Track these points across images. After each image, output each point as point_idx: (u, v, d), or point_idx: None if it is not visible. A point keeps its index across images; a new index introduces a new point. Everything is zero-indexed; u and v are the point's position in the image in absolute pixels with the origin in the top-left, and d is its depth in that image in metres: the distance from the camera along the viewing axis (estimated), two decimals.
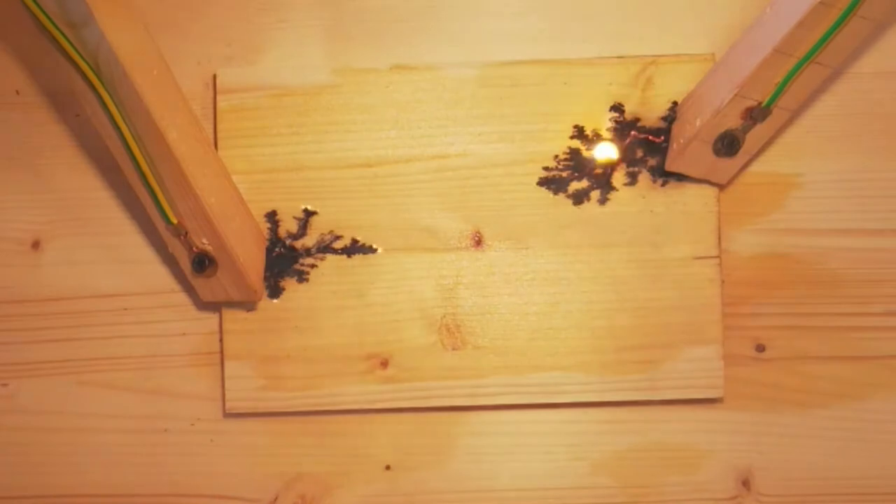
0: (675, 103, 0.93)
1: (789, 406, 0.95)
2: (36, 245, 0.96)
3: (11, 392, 0.97)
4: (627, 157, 0.93)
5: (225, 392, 0.94)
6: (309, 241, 0.94)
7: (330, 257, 0.94)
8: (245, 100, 0.94)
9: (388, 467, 0.96)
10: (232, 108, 0.94)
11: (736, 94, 0.85)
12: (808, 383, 0.95)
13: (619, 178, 0.94)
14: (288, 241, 0.94)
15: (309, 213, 0.94)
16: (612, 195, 0.93)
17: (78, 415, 0.96)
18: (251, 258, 0.91)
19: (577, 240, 0.94)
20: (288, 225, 0.94)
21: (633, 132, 0.93)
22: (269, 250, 0.94)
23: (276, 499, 0.96)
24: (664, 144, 0.93)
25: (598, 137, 0.94)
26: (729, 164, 0.90)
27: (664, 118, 0.93)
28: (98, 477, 0.97)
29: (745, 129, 0.87)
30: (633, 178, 0.93)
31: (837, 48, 0.83)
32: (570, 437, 0.95)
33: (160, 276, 0.96)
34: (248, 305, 0.94)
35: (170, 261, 0.95)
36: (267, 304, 0.94)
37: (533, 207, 0.94)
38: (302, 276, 0.94)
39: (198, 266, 0.88)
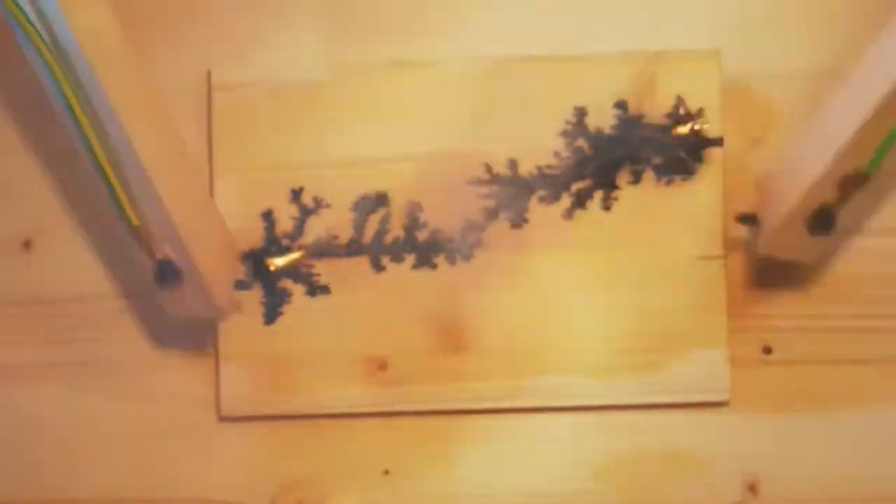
0: (680, 99, 0.91)
1: (797, 409, 0.94)
2: (27, 245, 0.95)
3: (3, 394, 0.96)
4: (631, 156, 0.92)
5: (220, 395, 0.93)
6: (306, 240, 0.93)
7: (327, 258, 0.93)
8: (240, 96, 0.92)
9: (386, 472, 0.95)
10: (227, 105, 0.93)
11: (833, 164, 0.81)
12: (816, 386, 0.94)
13: (622, 176, 0.92)
14: (284, 241, 0.93)
15: (306, 213, 0.93)
16: (616, 194, 0.92)
17: (70, 418, 0.95)
18: (218, 272, 0.87)
19: (580, 240, 0.92)
20: (284, 225, 0.93)
21: (637, 129, 0.92)
22: (264, 250, 0.93)
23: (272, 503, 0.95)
24: (668, 142, 0.92)
25: (601, 135, 0.92)
26: (824, 243, 0.86)
27: (668, 115, 0.92)
28: (91, 481, 0.96)
29: (844, 200, 0.82)
30: (637, 177, 0.92)
31: None
32: (572, 441, 0.94)
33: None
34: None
35: None
36: (263, 306, 0.93)
37: (534, 207, 0.92)
38: (299, 277, 0.93)
39: (160, 277, 0.83)
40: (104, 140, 0.77)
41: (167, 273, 0.82)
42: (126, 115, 0.77)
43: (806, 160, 0.85)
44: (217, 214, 0.89)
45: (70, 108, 0.75)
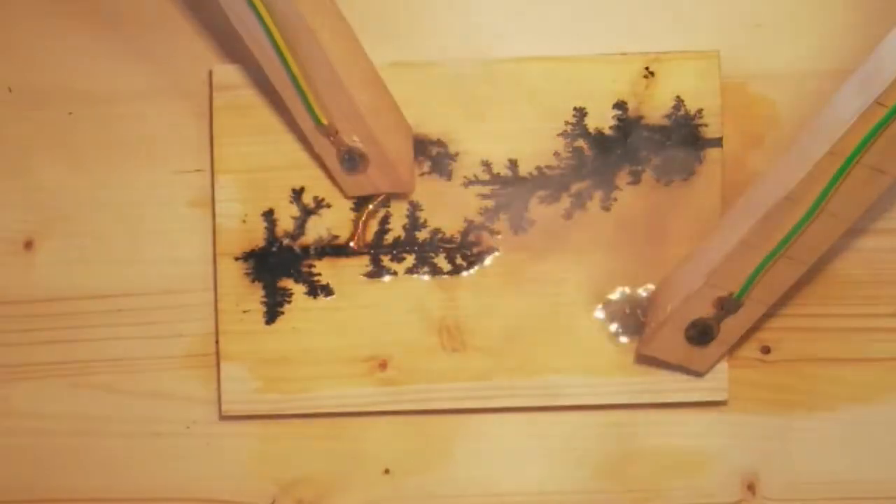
0: (679, 100, 0.91)
1: (795, 409, 0.94)
2: (29, 245, 0.95)
3: (4, 394, 0.96)
4: (631, 156, 0.92)
5: (221, 394, 0.93)
6: (307, 240, 0.93)
7: (328, 257, 0.93)
8: (241, 97, 0.92)
9: (387, 471, 0.95)
10: (228, 105, 0.93)
11: (706, 283, 0.84)
12: (814, 386, 0.94)
13: (622, 177, 0.92)
14: (285, 241, 0.93)
15: (307, 213, 0.93)
16: (616, 194, 0.92)
17: (72, 417, 0.95)
18: (401, 151, 0.90)
19: (580, 240, 0.92)
20: (285, 224, 0.93)
21: (636, 130, 0.92)
22: (265, 250, 0.93)
23: (273, 503, 0.95)
24: (667, 143, 0.92)
25: (601, 135, 0.92)
26: (705, 353, 0.88)
27: (668, 116, 0.92)
28: (92, 480, 0.96)
29: (718, 319, 0.85)
30: (636, 177, 0.92)
31: (809, 243, 0.80)
32: (571, 440, 0.94)
33: (155, 276, 0.95)
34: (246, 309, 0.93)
35: (164, 261, 0.95)
36: (263, 306, 0.93)
37: (534, 207, 0.93)
38: (300, 276, 0.93)
39: (349, 165, 0.88)
40: (296, 52, 0.83)
41: (356, 160, 0.88)
42: (316, 24, 0.82)
43: (687, 274, 0.87)
44: (391, 99, 0.91)
45: (264, 23, 0.81)
